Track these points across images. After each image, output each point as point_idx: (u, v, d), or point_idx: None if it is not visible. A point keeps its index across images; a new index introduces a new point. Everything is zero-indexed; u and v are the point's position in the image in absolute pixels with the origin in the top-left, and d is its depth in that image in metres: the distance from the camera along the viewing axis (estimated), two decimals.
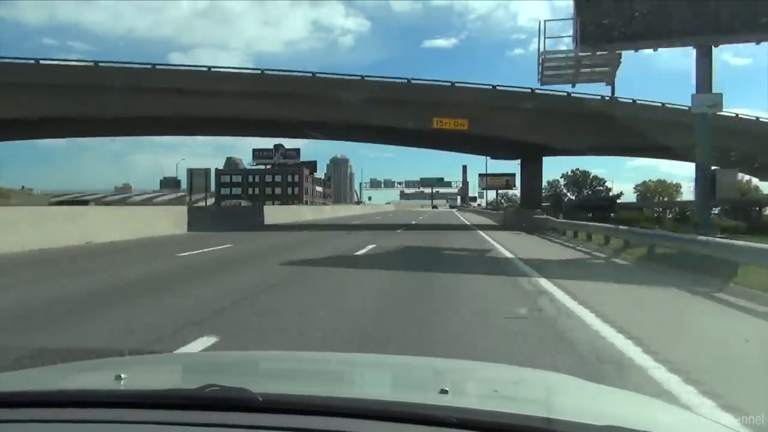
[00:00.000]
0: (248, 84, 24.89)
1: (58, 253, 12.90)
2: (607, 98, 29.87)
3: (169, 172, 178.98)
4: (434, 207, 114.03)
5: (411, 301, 7.08)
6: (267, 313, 6.09)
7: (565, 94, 28.93)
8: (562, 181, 79.24)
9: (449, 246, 16.20)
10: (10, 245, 12.71)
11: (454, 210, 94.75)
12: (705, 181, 14.85)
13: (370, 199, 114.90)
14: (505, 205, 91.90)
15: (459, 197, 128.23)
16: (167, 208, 22.68)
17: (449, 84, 27.07)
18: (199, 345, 4.59)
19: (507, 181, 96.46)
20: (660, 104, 30.84)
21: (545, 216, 23.39)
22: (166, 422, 1.12)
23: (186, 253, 12.80)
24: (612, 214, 47.14)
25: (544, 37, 16.31)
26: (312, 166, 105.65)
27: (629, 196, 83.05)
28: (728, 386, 3.56)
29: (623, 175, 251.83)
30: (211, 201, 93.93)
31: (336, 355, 3.28)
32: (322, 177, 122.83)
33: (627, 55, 16.54)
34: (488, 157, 37.12)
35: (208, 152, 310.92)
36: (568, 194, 76.94)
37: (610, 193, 74.20)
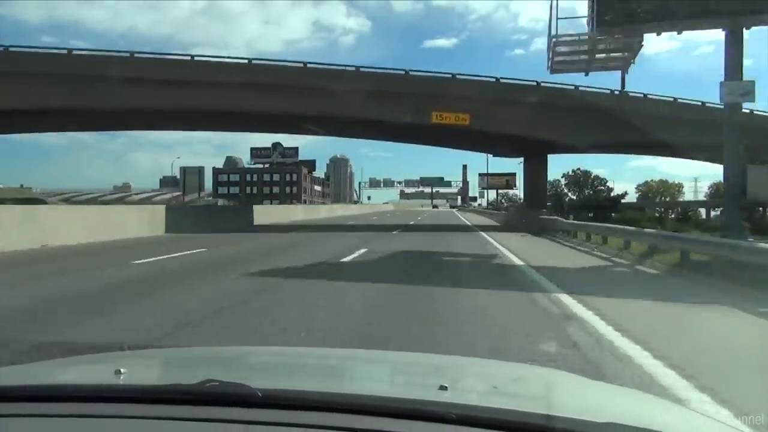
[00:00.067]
0: (237, 74, 23.01)
1: None
2: (617, 92, 28.11)
3: (169, 171, 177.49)
4: (434, 207, 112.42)
5: (399, 333, 5.21)
6: None
7: (573, 87, 27.14)
8: (562, 181, 77.45)
9: (449, 250, 14.34)
10: None
11: (454, 210, 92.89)
12: (734, 179, 13.13)
13: (369, 198, 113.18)
14: (506, 204, 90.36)
15: (459, 197, 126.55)
16: (143, 208, 20.87)
17: (450, 76, 25.21)
18: None
19: (507, 180, 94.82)
20: (672, 99, 29.03)
21: (553, 217, 21.48)
22: (166, 417, 1.10)
23: (144, 260, 10.94)
24: (613, 214, 45.70)
25: (556, 18, 14.52)
26: (311, 165, 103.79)
27: (630, 196, 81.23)
28: None
29: (623, 175, 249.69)
30: (212, 201, 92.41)
31: (336, 350, 3.11)
32: (322, 176, 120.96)
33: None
34: (490, 155, 35.22)
35: (208, 151, 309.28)
36: (569, 194, 75.16)
37: (612, 193, 72.60)
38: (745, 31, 13.36)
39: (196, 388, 1.17)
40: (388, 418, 1.07)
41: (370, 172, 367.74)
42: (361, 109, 24.11)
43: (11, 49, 22.62)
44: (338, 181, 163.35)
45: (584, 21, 14.00)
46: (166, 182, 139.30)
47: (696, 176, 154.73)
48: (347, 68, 24.42)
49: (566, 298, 6.98)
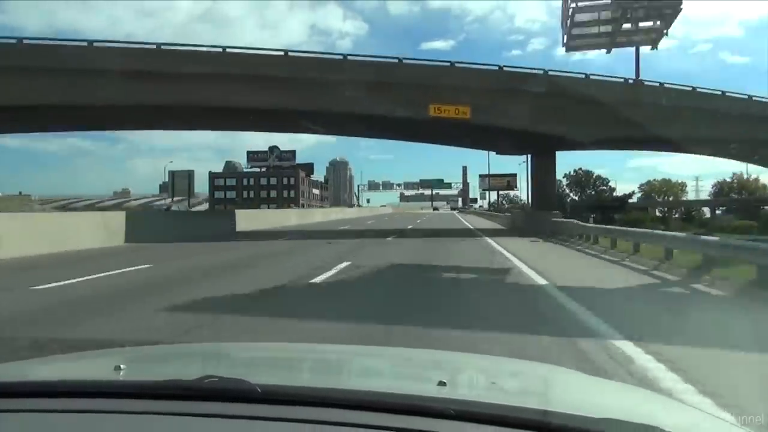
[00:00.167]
0: (209, 66, 20.31)
1: None
2: (631, 81, 25.45)
3: (167, 177, 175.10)
4: (435, 209, 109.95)
5: None
6: None
7: (583, 75, 24.45)
8: (564, 181, 74.81)
9: (450, 263, 11.60)
10: None
11: (455, 212, 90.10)
12: None
13: (368, 201, 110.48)
14: (507, 206, 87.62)
15: (460, 199, 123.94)
16: (100, 215, 18.16)
17: (448, 64, 22.51)
18: None
19: (508, 181, 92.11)
20: (690, 88, 26.31)
21: (570, 219, 18.68)
22: (165, 413, 1.09)
23: (51, 284, 8.21)
24: (616, 216, 43.19)
25: None
26: (308, 168, 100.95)
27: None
28: None
29: (623, 175, 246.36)
30: (204, 206, 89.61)
31: (335, 346, 2.98)
32: (320, 180, 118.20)
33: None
34: (493, 153, 32.42)
35: (208, 157, 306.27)
36: (571, 194, 72.60)
37: (614, 193, 70.08)
38: None
39: (195, 384, 1.16)
40: (387, 413, 1.05)
41: (370, 175, 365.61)
42: (351, 102, 21.40)
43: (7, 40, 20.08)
44: (338, 185, 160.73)
45: None
46: (166, 187, 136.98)
47: (697, 175, 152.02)
48: (334, 56, 21.75)
49: (635, 352, 4.36)
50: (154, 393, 1.15)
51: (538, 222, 23.73)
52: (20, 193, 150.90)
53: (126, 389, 1.23)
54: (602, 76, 24.31)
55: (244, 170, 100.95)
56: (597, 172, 75.27)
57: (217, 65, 20.04)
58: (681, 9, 12.23)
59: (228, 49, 20.19)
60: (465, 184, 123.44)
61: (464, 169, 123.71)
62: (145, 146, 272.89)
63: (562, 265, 11.53)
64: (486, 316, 6.15)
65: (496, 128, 23.76)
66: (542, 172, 27.16)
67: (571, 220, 18.24)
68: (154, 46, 20.38)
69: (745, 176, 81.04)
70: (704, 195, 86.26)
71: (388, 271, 10.28)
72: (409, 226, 30.86)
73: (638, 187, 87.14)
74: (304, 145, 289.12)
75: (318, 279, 8.92)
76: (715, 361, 4.33)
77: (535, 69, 24.11)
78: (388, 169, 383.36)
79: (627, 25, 12.87)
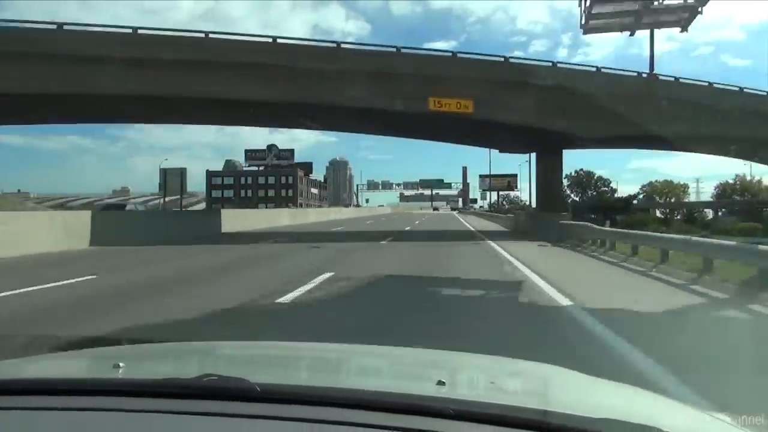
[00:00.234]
0: (195, 52, 18.53)
1: None
2: (645, 75, 23.68)
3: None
4: (435, 209, 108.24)
5: None
6: None
7: (594, 68, 22.68)
8: (565, 182, 72.93)
9: (451, 274, 9.81)
10: None
11: (454, 212, 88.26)
12: None
13: (367, 201, 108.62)
14: (507, 206, 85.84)
15: (460, 199, 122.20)
16: (60, 214, 16.42)
17: (450, 54, 20.76)
18: None
19: (509, 182, 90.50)
20: (707, 83, 24.54)
21: (584, 222, 16.84)
22: (164, 411, 1.08)
23: None
24: (618, 217, 41.50)
25: None
26: (307, 167, 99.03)
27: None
28: None
29: (623, 176, 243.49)
30: (202, 205, 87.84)
31: (334, 345, 2.64)
32: (320, 179, 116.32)
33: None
34: (496, 151, 30.62)
35: (208, 155, 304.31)
36: (572, 195, 70.91)
37: (615, 195, 68.43)
38: None
39: (194, 383, 1.14)
40: (386, 412, 1.04)
41: (370, 174, 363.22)
42: (346, 95, 19.65)
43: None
44: (337, 184, 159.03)
45: None
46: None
47: (698, 177, 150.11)
48: (326, 44, 20.01)
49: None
50: (153, 391, 1.14)
51: (544, 224, 21.97)
52: (18, 191, 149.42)
53: (125, 387, 1.21)
54: (614, 69, 22.57)
55: (245, 169, 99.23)
56: (597, 173, 73.46)
57: (198, 52, 18.27)
58: None
59: (211, 35, 18.39)
60: (465, 184, 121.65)
61: (464, 169, 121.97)
62: (144, 144, 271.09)
63: (582, 278, 9.77)
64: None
65: (500, 124, 21.99)
66: (547, 171, 25.36)
67: (585, 223, 16.43)
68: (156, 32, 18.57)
69: (748, 178, 79.73)
70: (704, 197, 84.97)
71: (376, 286, 8.48)
72: (407, 228, 29.05)
73: (640, 188, 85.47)
74: (304, 144, 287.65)
75: (287, 297, 7.13)
76: None
77: (542, 61, 22.37)
78: (387, 169, 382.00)
79: (656, 2, 11.12)
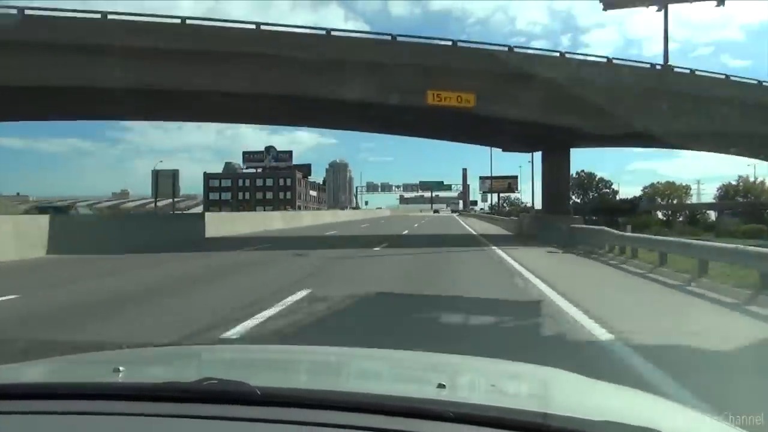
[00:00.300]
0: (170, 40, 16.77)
1: None
2: (658, 67, 21.95)
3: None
4: (436, 211, 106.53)
5: None
6: None
7: (605, 59, 20.95)
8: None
9: (453, 292, 8.02)
10: None
11: (454, 215, 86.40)
12: None
13: (366, 203, 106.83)
14: (507, 208, 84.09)
15: (461, 201, 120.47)
16: (12, 219, 14.60)
17: (450, 43, 19.00)
18: None
19: (509, 183, 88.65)
20: (723, 76, 22.81)
21: (600, 227, 15.00)
22: (164, 415, 1.07)
23: None
24: (620, 219, 39.89)
25: None
26: (306, 169, 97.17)
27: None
28: None
29: (623, 178, 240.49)
30: (199, 207, 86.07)
31: (334, 348, 2.75)
32: (318, 181, 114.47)
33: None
34: (498, 149, 28.82)
35: (208, 158, 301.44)
36: (573, 197, 69.13)
37: (617, 196, 66.91)
38: None
39: (194, 386, 1.14)
40: (386, 415, 1.04)
41: (370, 177, 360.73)
42: (336, 87, 17.95)
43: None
44: (337, 186, 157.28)
45: None
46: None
47: (698, 178, 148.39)
48: (315, 31, 18.28)
49: None
50: (153, 395, 1.13)
51: (551, 228, 20.24)
52: (18, 193, 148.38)
53: (125, 391, 1.19)
54: (626, 60, 20.84)
55: (241, 171, 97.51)
56: (597, 174, 71.79)
57: (198, 42, 16.50)
58: None
59: (188, 20, 16.65)
60: (465, 186, 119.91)
61: (464, 171, 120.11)
62: (144, 147, 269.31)
63: (612, 295, 8.02)
64: None
65: (504, 120, 20.27)
66: (554, 170, 23.62)
67: (601, 227, 14.65)
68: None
69: (752, 179, 78.14)
70: (705, 198, 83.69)
71: (359, 312, 6.69)
72: (405, 232, 27.26)
73: (641, 190, 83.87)
74: (304, 147, 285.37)
75: (236, 330, 5.38)
76: None
77: (549, 51, 20.65)
78: (387, 171, 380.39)
79: None
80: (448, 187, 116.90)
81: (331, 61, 17.45)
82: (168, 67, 16.57)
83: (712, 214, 69.43)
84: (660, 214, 63.84)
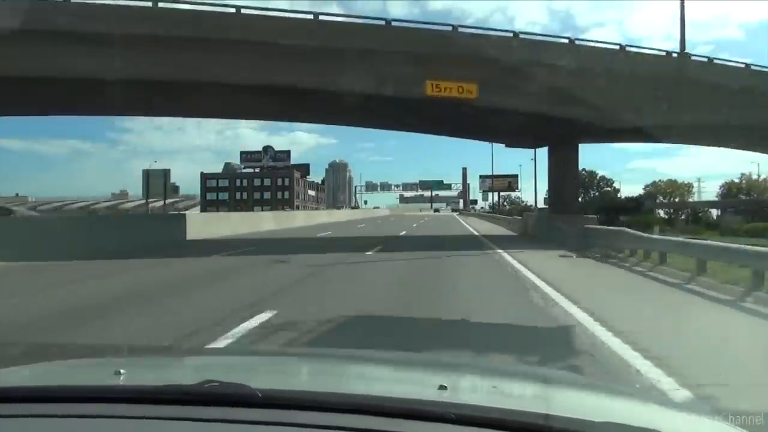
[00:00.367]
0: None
1: None
2: (675, 54, 20.23)
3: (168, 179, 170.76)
4: (436, 210, 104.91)
5: None
6: None
7: (617, 46, 19.23)
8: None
9: (454, 312, 6.29)
10: None
11: (455, 214, 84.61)
12: None
13: (366, 203, 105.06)
14: (508, 207, 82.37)
15: (461, 201, 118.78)
16: None
17: (449, 29, 17.26)
18: None
19: (509, 182, 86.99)
20: (744, 64, 21.09)
21: (621, 228, 13.18)
22: (165, 417, 1.07)
23: None
24: (621, 218, 38.22)
25: None
26: (304, 169, 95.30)
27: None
28: None
29: (622, 177, 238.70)
30: (197, 208, 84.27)
31: (335, 351, 2.92)
32: (316, 181, 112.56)
33: None
34: (502, 145, 27.03)
35: (208, 159, 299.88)
36: None
37: (619, 195, 65.19)
38: None
39: (195, 389, 1.13)
40: (387, 417, 1.03)
41: (370, 176, 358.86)
42: (323, 77, 16.28)
43: None
44: (338, 187, 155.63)
45: None
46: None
47: (699, 176, 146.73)
48: (301, 17, 16.53)
49: None
50: (154, 398, 1.12)
51: (559, 228, 18.55)
52: (17, 194, 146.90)
53: (126, 394, 1.19)
54: (640, 47, 19.13)
55: (239, 171, 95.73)
56: (598, 173, 70.04)
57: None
58: None
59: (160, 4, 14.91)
60: (465, 185, 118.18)
61: (464, 170, 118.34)
62: (144, 148, 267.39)
63: (655, 317, 6.29)
64: None
65: (508, 112, 18.56)
66: (561, 167, 21.88)
67: (621, 228, 12.88)
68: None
69: (754, 177, 76.62)
70: (705, 196, 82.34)
71: (328, 345, 4.96)
72: (402, 233, 25.50)
73: (643, 188, 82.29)
74: (305, 147, 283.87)
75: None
76: None
77: (557, 37, 18.93)
78: (388, 170, 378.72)
79: None
80: (448, 187, 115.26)
81: (320, 49, 15.74)
82: (170, 57, 14.91)
83: (713, 213, 67.97)
84: (662, 213, 62.26)
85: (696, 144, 30.87)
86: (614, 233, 12.58)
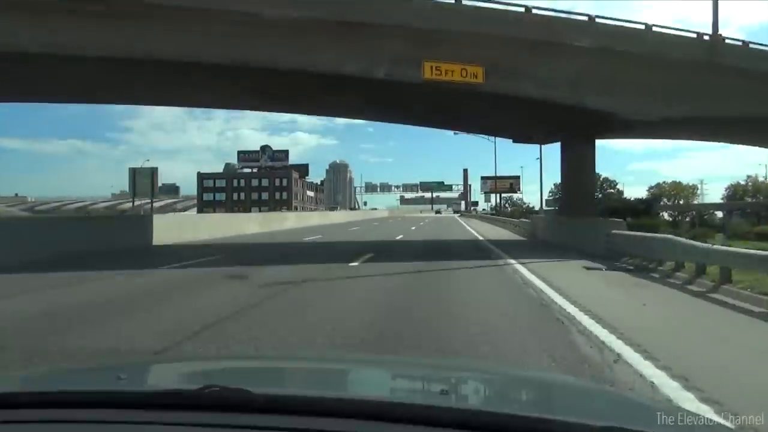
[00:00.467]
0: None
1: None
2: (707, 37, 17.70)
3: (168, 179, 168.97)
4: (437, 212, 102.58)
5: None
6: None
7: (643, 25, 16.68)
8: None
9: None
10: None
11: (456, 215, 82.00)
12: None
13: (365, 204, 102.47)
14: (510, 209, 79.75)
15: (462, 202, 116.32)
16: None
17: (451, 1, 14.69)
18: None
19: (511, 184, 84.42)
20: None
21: (663, 236, 10.51)
22: (167, 423, 1.05)
23: None
24: (627, 219, 35.73)
25: None
26: (303, 169, 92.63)
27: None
28: None
29: (624, 179, 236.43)
30: (194, 210, 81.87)
31: (336, 355, 2.82)
32: (315, 181, 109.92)
33: None
34: (509, 139, 24.33)
35: (208, 159, 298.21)
36: None
37: (622, 196, 62.90)
38: None
39: (196, 394, 1.11)
40: (389, 422, 1.01)
41: (371, 177, 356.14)
42: (298, 54, 13.77)
43: None
44: (338, 188, 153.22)
45: None
46: (165, 189, 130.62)
47: (701, 178, 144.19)
48: None
49: None
50: (155, 403, 1.11)
51: (575, 232, 16.09)
52: (16, 194, 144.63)
53: (128, 399, 1.16)
54: (668, 27, 16.56)
55: (238, 171, 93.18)
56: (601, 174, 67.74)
57: None
58: None
59: None
60: (466, 186, 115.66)
61: (465, 171, 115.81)
62: (145, 148, 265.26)
63: None
64: None
65: (518, 100, 16.04)
66: (576, 164, 19.29)
67: (666, 236, 10.26)
68: None
69: (761, 179, 74.52)
70: (708, 199, 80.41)
71: None
72: (398, 237, 22.87)
73: (647, 190, 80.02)
74: (306, 147, 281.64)
75: None
76: None
77: (576, 14, 16.34)
78: (388, 171, 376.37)
79: None
80: (449, 188, 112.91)
81: (301, 23, 13.26)
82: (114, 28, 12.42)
83: (717, 215, 65.89)
84: (666, 215, 59.99)
85: (729, 142, 28.25)
86: (655, 241, 9.98)
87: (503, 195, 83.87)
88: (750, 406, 2.97)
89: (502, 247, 16.23)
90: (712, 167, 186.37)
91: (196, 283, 8.34)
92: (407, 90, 15.46)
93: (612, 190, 71.63)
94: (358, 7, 13.57)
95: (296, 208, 77.10)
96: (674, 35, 16.69)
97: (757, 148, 32.65)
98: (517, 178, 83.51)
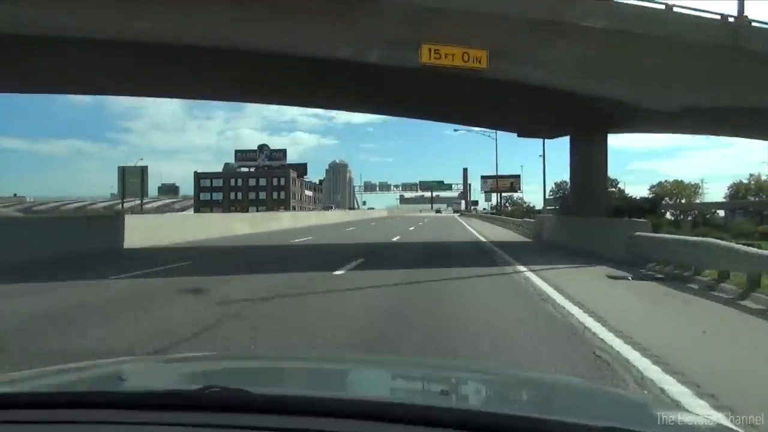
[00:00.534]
0: None
1: None
2: (731, 19, 16.07)
3: (168, 179, 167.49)
4: (438, 212, 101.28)
5: None
6: None
7: (662, 5, 15.04)
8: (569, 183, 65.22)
9: None
10: None
11: (456, 215, 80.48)
12: None
13: (365, 203, 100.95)
14: (510, 209, 78.19)
15: (462, 201, 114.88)
16: None
17: None
18: None
19: (511, 183, 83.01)
20: None
21: (704, 240, 8.77)
22: (167, 423, 1.04)
23: None
24: (628, 218, 34.32)
25: None
26: (302, 168, 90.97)
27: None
28: None
29: (624, 178, 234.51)
30: (190, 210, 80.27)
31: (337, 355, 2.79)
32: (313, 181, 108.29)
33: None
34: (513, 134, 22.59)
35: (208, 158, 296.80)
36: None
37: (627, 195, 61.23)
38: None
39: (196, 394, 1.10)
40: (389, 423, 1.00)
41: (371, 177, 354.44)
42: (282, 35, 12.16)
43: None
44: (338, 187, 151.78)
45: None
46: (165, 189, 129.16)
47: (702, 177, 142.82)
48: None
49: None
50: (155, 403, 1.09)
51: (588, 234, 14.47)
52: (15, 194, 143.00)
53: (128, 400, 1.15)
54: (689, 8, 14.92)
55: (237, 170, 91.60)
56: None
57: None
58: None
59: None
60: (466, 185, 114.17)
61: (465, 170, 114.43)
62: (145, 148, 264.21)
63: None
64: None
65: (525, 88, 14.41)
66: (587, 159, 17.67)
67: (708, 239, 8.59)
68: None
69: (763, 178, 73.40)
70: (709, 198, 79.59)
71: None
72: (395, 239, 21.20)
73: (648, 189, 78.61)
74: (306, 146, 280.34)
75: None
76: None
77: None
78: (388, 171, 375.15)
79: None
80: (449, 187, 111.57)
81: None
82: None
83: (721, 214, 64.94)
84: (668, 214, 58.58)
85: (749, 137, 26.63)
86: (701, 246, 8.32)
87: (503, 194, 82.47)
88: None
89: (506, 250, 14.59)
90: (712, 166, 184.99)
91: (135, 302, 6.67)
92: (407, 76, 13.88)
93: (613, 189, 70.16)
94: None
95: (294, 208, 75.54)
96: (696, 16, 15.06)
97: (757, 147, 30.99)
98: (518, 177, 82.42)
